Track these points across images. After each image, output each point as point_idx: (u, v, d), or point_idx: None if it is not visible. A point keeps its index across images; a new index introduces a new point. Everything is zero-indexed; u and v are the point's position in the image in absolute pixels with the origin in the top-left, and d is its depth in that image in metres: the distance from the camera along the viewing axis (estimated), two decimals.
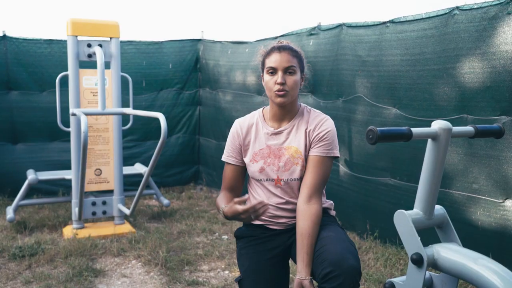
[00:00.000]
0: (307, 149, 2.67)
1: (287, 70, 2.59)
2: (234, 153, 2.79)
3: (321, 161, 2.63)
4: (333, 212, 2.84)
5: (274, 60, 2.61)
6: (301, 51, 2.72)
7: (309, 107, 2.77)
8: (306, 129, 2.67)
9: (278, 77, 2.58)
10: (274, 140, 2.71)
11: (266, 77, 2.64)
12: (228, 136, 2.83)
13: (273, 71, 2.61)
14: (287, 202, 2.70)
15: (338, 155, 2.69)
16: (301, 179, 2.67)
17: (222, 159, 2.83)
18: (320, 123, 2.66)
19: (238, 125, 2.81)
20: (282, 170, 2.67)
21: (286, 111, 2.69)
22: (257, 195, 2.77)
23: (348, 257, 2.30)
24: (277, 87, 2.58)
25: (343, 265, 2.27)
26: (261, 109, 2.84)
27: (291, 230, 2.70)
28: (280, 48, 2.63)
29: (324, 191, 2.77)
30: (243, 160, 2.79)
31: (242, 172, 2.81)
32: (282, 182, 2.68)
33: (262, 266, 2.64)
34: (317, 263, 2.41)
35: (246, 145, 2.77)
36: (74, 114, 5.10)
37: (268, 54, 2.67)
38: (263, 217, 2.75)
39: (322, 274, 2.32)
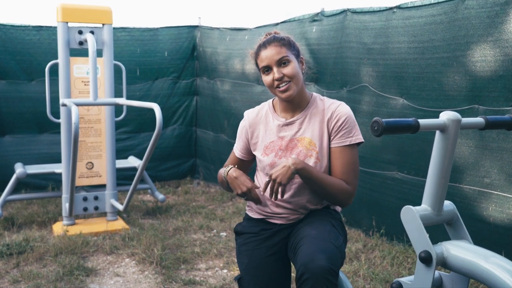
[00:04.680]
0: (324, 140, 2.67)
1: (280, 62, 2.61)
2: (239, 146, 2.86)
3: (342, 151, 2.64)
4: (338, 208, 2.84)
5: (264, 57, 2.63)
6: (287, 35, 2.72)
7: (322, 96, 2.78)
8: (323, 119, 2.68)
9: (275, 73, 2.60)
10: (286, 131, 2.72)
11: (264, 77, 2.68)
12: (239, 127, 2.90)
13: (267, 69, 2.64)
14: (290, 202, 2.70)
15: (362, 140, 2.67)
16: None
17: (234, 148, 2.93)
18: (336, 110, 2.67)
19: (247, 118, 2.85)
20: None
21: (296, 103, 2.71)
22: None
23: (318, 257, 2.30)
24: (277, 83, 2.61)
25: (311, 267, 2.29)
26: (271, 100, 2.86)
27: (292, 225, 2.70)
28: (266, 43, 2.65)
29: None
30: (248, 156, 2.85)
31: (246, 165, 2.88)
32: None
33: (262, 264, 2.65)
34: (295, 264, 2.47)
35: (254, 138, 2.80)
36: (64, 105, 5.09)
37: (257, 54, 2.70)
38: (264, 212, 2.76)
39: (296, 277, 2.37)
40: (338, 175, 2.64)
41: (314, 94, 2.78)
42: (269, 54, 2.61)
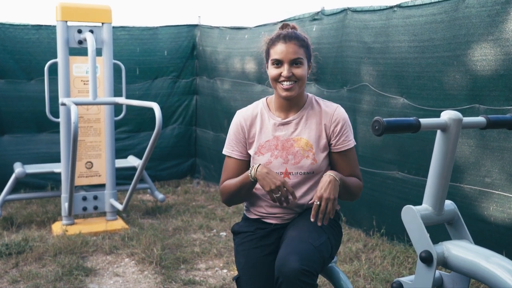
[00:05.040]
0: (321, 142, 2.69)
1: (294, 62, 2.60)
2: (239, 147, 2.78)
3: (347, 154, 2.71)
4: (337, 206, 2.84)
5: (279, 51, 2.60)
6: (307, 37, 2.71)
7: (317, 97, 2.79)
8: (320, 121, 2.70)
9: (284, 70, 2.59)
10: (282, 130, 2.72)
11: (271, 69, 2.65)
12: (230, 128, 2.82)
13: (278, 63, 2.62)
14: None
15: (355, 142, 2.76)
16: (310, 173, 2.68)
17: (224, 152, 2.81)
18: (334, 114, 2.70)
19: (241, 117, 2.79)
20: (291, 163, 2.67)
21: (293, 103, 2.71)
22: (258, 191, 2.76)
23: (290, 260, 2.31)
24: (283, 79, 2.60)
25: (283, 270, 2.32)
26: (265, 98, 2.84)
27: (287, 225, 2.71)
28: (286, 38, 2.62)
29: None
30: (247, 154, 2.78)
31: (246, 166, 2.80)
32: (291, 176, 2.68)
33: (259, 263, 2.65)
34: None
35: (251, 137, 2.76)
36: (63, 104, 5.08)
37: (273, 43, 2.66)
38: (259, 212, 2.77)
39: (275, 281, 2.39)
40: (347, 175, 2.70)
41: (310, 95, 2.79)
42: (286, 50, 2.59)
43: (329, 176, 2.48)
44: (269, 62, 2.66)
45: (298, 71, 2.60)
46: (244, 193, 2.70)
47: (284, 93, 2.61)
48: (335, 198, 2.45)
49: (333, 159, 2.72)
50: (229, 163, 2.80)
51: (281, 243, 2.56)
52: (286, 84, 2.59)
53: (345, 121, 2.70)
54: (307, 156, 2.67)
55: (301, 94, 2.71)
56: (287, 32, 2.66)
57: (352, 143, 2.70)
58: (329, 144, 2.70)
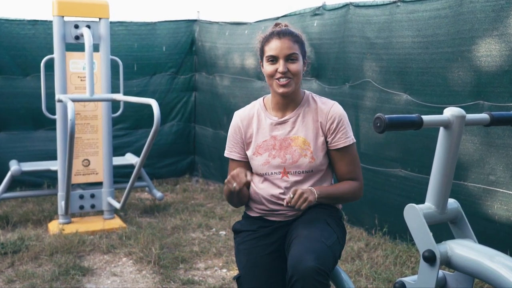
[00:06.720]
0: (318, 140, 2.70)
1: (289, 58, 2.63)
2: (237, 148, 2.82)
3: (344, 151, 2.71)
4: (339, 205, 2.85)
5: (274, 47, 2.64)
6: (301, 34, 2.75)
7: (314, 94, 2.81)
8: (316, 119, 2.71)
9: (280, 65, 2.62)
10: (279, 130, 2.73)
11: (267, 66, 2.68)
12: (229, 130, 2.86)
13: (273, 59, 2.65)
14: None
15: (354, 139, 2.76)
16: (309, 171, 2.69)
17: (225, 155, 2.86)
18: (330, 111, 2.71)
19: (238, 118, 2.83)
20: (289, 162, 2.69)
21: (290, 100, 2.73)
22: (259, 189, 2.77)
23: (306, 258, 2.32)
24: (279, 75, 2.62)
25: (299, 268, 2.31)
26: (262, 98, 2.87)
27: (290, 223, 2.71)
28: (280, 34, 2.65)
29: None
30: (246, 155, 2.81)
31: (246, 167, 2.82)
32: (289, 175, 2.69)
33: (261, 262, 2.65)
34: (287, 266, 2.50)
35: (248, 138, 2.79)
36: (60, 101, 5.09)
37: (267, 40, 2.69)
38: (261, 210, 2.77)
39: (287, 279, 2.38)
40: (345, 174, 2.72)
41: (307, 92, 2.81)
42: (281, 46, 2.62)
43: (310, 189, 2.58)
44: (264, 59, 2.69)
45: (293, 67, 2.62)
46: (236, 197, 2.73)
47: (280, 90, 2.63)
48: (307, 199, 2.49)
49: (332, 158, 2.74)
50: (230, 165, 2.86)
51: (290, 241, 2.56)
52: (282, 80, 2.62)
53: (342, 118, 2.70)
54: (305, 154, 2.68)
55: (297, 91, 2.73)
56: (281, 29, 2.70)
57: (349, 140, 2.71)
58: (326, 141, 2.72)
